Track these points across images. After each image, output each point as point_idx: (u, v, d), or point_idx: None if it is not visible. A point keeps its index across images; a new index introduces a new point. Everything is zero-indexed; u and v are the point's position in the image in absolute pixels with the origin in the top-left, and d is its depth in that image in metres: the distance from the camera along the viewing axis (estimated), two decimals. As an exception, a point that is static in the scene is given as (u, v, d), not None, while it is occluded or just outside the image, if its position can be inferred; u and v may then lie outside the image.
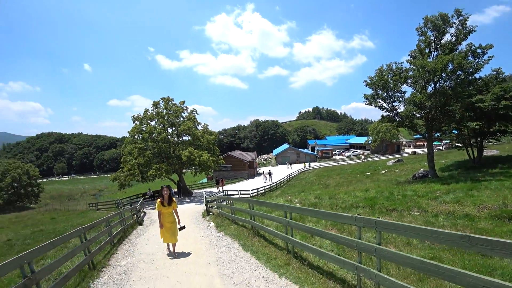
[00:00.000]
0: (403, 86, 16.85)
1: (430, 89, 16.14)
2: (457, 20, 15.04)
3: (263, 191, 26.99)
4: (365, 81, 17.51)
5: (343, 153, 73.37)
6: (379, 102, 17.58)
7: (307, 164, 52.13)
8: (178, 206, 8.18)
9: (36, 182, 52.66)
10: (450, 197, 8.71)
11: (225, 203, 11.81)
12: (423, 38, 16.35)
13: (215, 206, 12.61)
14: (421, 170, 19.76)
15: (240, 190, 24.37)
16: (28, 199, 50.28)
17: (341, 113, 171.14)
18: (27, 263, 3.68)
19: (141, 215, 12.35)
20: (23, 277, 3.57)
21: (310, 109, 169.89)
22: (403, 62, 16.90)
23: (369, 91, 17.71)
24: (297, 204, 11.31)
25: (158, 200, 6.61)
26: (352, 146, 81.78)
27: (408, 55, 17.19)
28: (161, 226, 6.52)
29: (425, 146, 42.93)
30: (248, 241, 6.69)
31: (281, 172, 46.09)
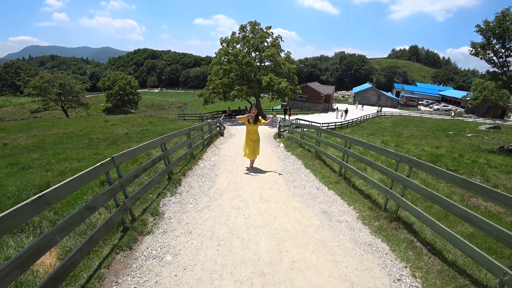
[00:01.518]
0: None
1: None
2: None
3: (333, 126, 27.32)
4: (478, 25, 14.92)
5: (431, 105, 65.33)
6: (489, 54, 15.13)
7: (379, 109, 47.42)
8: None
9: (136, 91, 61.84)
10: (526, 175, 7.99)
11: (297, 129, 13.16)
12: None
13: (286, 131, 14.15)
14: (514, 142, 17.44)
15: (311, 122, 25.31)
16: (130, 105, 60.01)
17: (443, 57, 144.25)
18: (163, 143, 5.71)
19: (222, 128, 14.79)
20: (162, 151, 5.63)
21: (407, 48, 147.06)
22: None
23: (479, 39, 15.20)
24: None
25: (246, 115, 7.00)
26: (445, 99, 71.27)
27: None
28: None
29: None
30: (310, 161, 8.08)
31: (355, 112, 44.74)
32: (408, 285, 2.94)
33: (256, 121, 6.94)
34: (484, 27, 14.47)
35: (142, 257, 3.15)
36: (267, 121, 7.42)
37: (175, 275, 2.85)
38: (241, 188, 5.61)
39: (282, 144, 11.83)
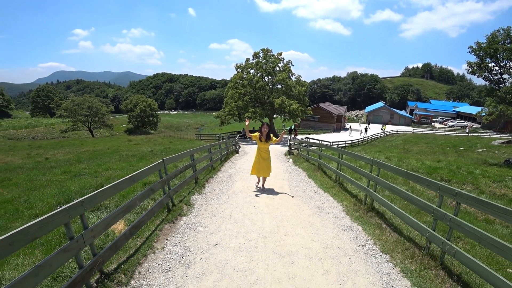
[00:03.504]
0: None
1: None
2: None
3: (343, 145, 28.21)
4: (471, 46, 16.15)
5: (446, 122, 65.14)
6: (485, 72, 16.20)
7: (384, 127, 46.49)
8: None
9: (155, 113, 65.38)
10: (516, 184, 8.07)
11: (303, 145, 14.52)
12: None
13: (296, 149, 15.50)
14: (522, 156, 17.92)
15: (321, 140, 26.43)
16: (150, 126, 63.37)
17: (458, 73, 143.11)
18: (192, 155, 7.20)
19: (238, 147, 16.30)
20: (191, 160, 7.11)
21: (419, 65, 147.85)
22: None
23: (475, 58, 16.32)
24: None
25: (257, 133, 6.96)
26: (460, 115, 70.85)
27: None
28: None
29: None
30: (313, 173, 9.35)
31: (369, 131, 45.69)
32: (370, 249, 4.13)
33: (268, 139, 6.91)
34: (476, 47, 15.64)
35: (181, 228, 4.54)
36: (278, 139, 7.17)
37: (206, 237, 4.20)
38: (253, 191, 6.95)
39: (291, 160, 13.13)
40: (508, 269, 3.68)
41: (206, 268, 3.33)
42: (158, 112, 74.14)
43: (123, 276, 3.04)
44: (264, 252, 3.72)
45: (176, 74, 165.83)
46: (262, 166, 6.95)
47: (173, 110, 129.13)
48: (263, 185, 7.27)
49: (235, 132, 33.99)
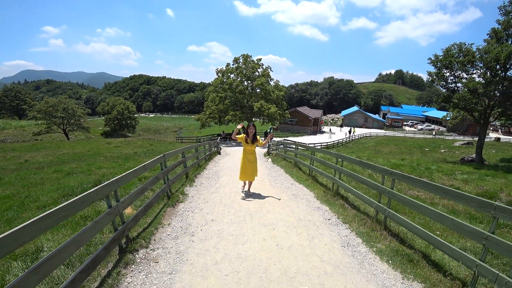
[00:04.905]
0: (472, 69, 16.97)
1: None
2: None
3: (319, 147, 29.88)
4: (430, 58, 18.14)
5: (415, 126, 69.47)
6: (442, 81, 18.22)
7: (354, 130, 49.38)
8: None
9: (133, 116, 64.47)
10: (462, 177, 9.78)
11: (282, 147, 15.65)
12: (504, 18, 15.77)
13: (274, 149, 16.62)
14: (473, 154, 20.23)
15: (298, 142, 27.87)
16: (127, 129, 62.42)
17: (427, 80, 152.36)
18: (182, 152, 8.06)
19: (219, 148, 17.19)
20: (182, 157, 7.96)
21: (392, 72, 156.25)
22: (473, 44, 16.85)
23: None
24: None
25: (244, 134, 6.69)
26: (429, 119, 75.87)
27: (487, 35, 16.81)
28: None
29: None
30: (290, 169, 10.46)
31: (339, 134, 48.19)
32: (334, 221, 5.23)
33: (254, 140, 6.65)
34: (434, 59, 17.64)
35: (181, 210, 5.44)
36: (265, 141, 7.13)
37: (203, 216, 5.14)
38: (238, 184, 7.92)
39: (270, 159, 14.21)
40: (436, 232, 4.91)
41: (207, 235, 4.28)
42: (136, 115, 73.12)
43: (143, 241, 3.91)
44: (251, 223, 4.72)
45: (154, 76, 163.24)
46: (248, 170, 6.68)
47: (150, 113, 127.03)
48: (249, 189, 6.97)
49: (215, 135, 34.78)
